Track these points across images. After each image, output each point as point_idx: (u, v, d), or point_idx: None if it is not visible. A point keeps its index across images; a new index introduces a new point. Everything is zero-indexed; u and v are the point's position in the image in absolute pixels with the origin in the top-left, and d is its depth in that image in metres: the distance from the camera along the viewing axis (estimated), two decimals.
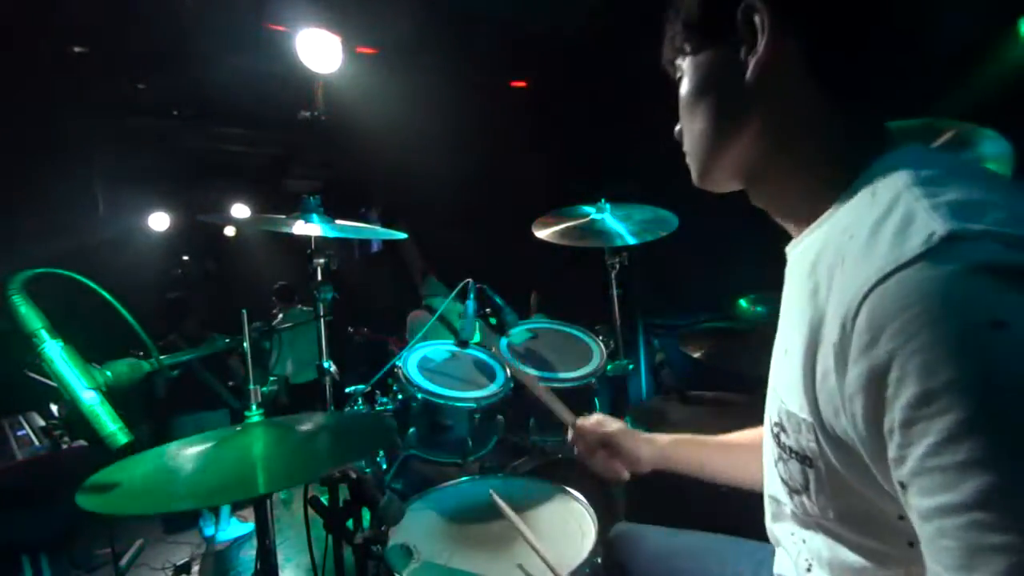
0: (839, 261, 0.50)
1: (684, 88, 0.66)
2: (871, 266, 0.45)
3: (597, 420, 1.14)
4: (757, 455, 0.86)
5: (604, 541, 1.12)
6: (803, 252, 0.59)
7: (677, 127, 0.72)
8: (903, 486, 0.43)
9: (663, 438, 1.08)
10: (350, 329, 4.03)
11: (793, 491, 0.60)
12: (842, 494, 0.53)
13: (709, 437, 1.05)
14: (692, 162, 0.69)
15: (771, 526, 0.71)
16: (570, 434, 1.17)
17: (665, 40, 0.68)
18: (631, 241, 1.74)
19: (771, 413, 0.63)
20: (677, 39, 0.65)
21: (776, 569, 0.70)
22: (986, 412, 0.38)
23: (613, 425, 1.12)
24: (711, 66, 0.62)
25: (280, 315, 4.20)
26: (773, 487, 0.66)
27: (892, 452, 0.43)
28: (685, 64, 0.66)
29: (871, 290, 0.44)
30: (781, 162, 0.61)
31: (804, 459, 0.56)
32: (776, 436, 0.61)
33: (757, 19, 0.55)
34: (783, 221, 0.67)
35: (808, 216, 0.60)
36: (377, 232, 1.65)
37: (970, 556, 0.39)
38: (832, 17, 0.55)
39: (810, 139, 0.59)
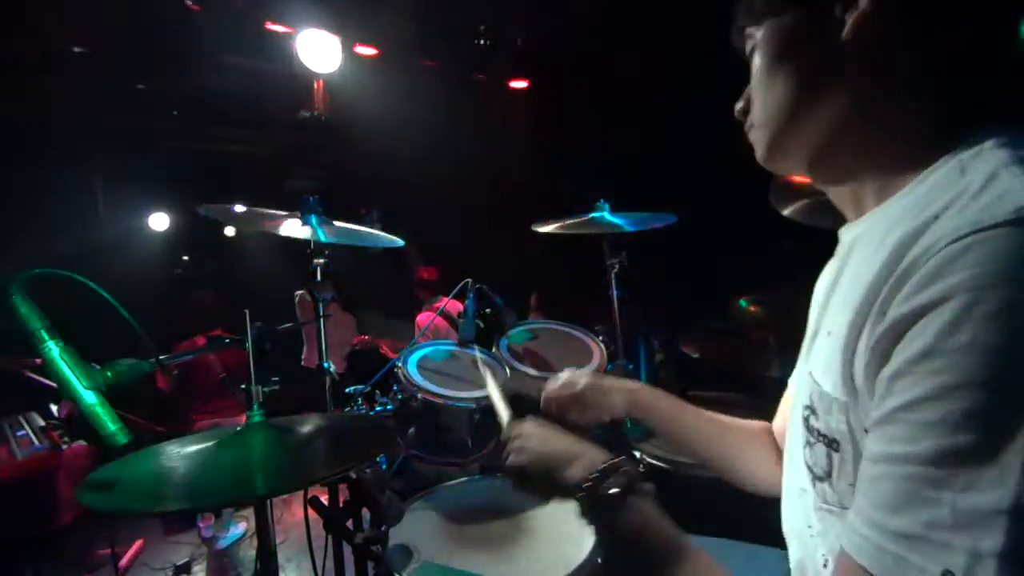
0: (915, 237, 0.46)
1: (762, 56, 0.62)
2: (958, 226, 0.42)
3: (563, 382, 1.07)
4: (736, 438, 0.90)
5: (605, 543, 1.12)
6: (867, 232, 0.57)
7: (739, 104, 0.67)
8: (866, 431, 0.45)
9: (632, 384, 1.02)
10: (354, 345, 4.02)
11: (817, 478, 0.59)
12: None
13: (688, 405, 1.01)
14: (762, 136, 0.64)
15: (787, 521, 0.69)
16: (543, 402, 1.10)
17: (739, 5, 0.63)
18: (628, 229, 1.74)
19: (802, 397, 0.62)
20: (757, 1, 0.61)
21: (792, 564, 0.69)
22: (981, 383, 0.38)
23: (580, 382, 1.04)
24: (799, 26, 0.58)
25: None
26: (796, 476, 0.65)
27: (875, 400, 0.44)
28: (762, 32, 0.61)
29: (950, 244, 0.41)
30: (862, 134, 0.57)
31: (831, 442, 0.55)
32: (806, 420, 0.60)
33: None
34: (843, 201, 0.63)
35: (877, 193, 0.57)
36: (377, 239, 1.65)
37: (902, 501, 0.40)
38: None
39: (898, 110, 0.55)
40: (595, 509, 0.66)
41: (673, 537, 0.64)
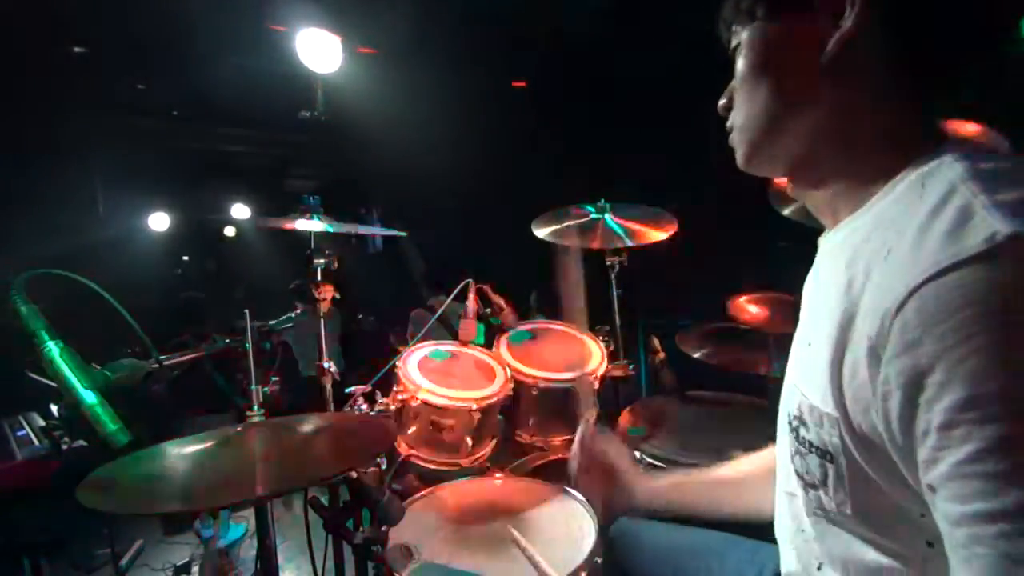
0: (882, 254, 0.47)
1: (745, 59, 0.61)
2: (921, 261, 0.43)
3: (603, 440, 1.07)
4: (764, 487, 0.82)
5: (604, 538, 1.12)
6: (840, 243, 0.57)
7: (722, 100, 0.67)
8: (932, 488, 0.43)
9: (664, 481, 1.01)
10: (359, 316, 4.01)
11: (809, 485, 0.59)
12: (862, 490, 0.53)
13: (703, 475, 0.99)
14: (742, 141, 0.65)
15: (780, 524, 0.70)
16: (579, 433, 1.08)
17: (730, 4, 0.63)
18: (628, 243, 1.75)
19: (789, 407, 0.62)
20: (745, 1, 0.60)
21: (784, 568, 0.69)
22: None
23: (620, 459, 1.05)
24: (784, 37, 0.58)
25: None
26: (787, 482, 0.65)
27: (924, 454, 0.43)
28: (747, 32, 0.61)
29: (920, 286, 0.42)
30: (838, 146, 0.58)
31: (824, 454, 0.55)
32: (795, 430, 0.60)
33: None
34: (820, 212, 0.64)
35: (849, 206, 0.58)
36: (377, 230, 1.65)
37: (1004, 564, 0.38)
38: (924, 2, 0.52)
39: (872, 124, 0.56)
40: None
41: None
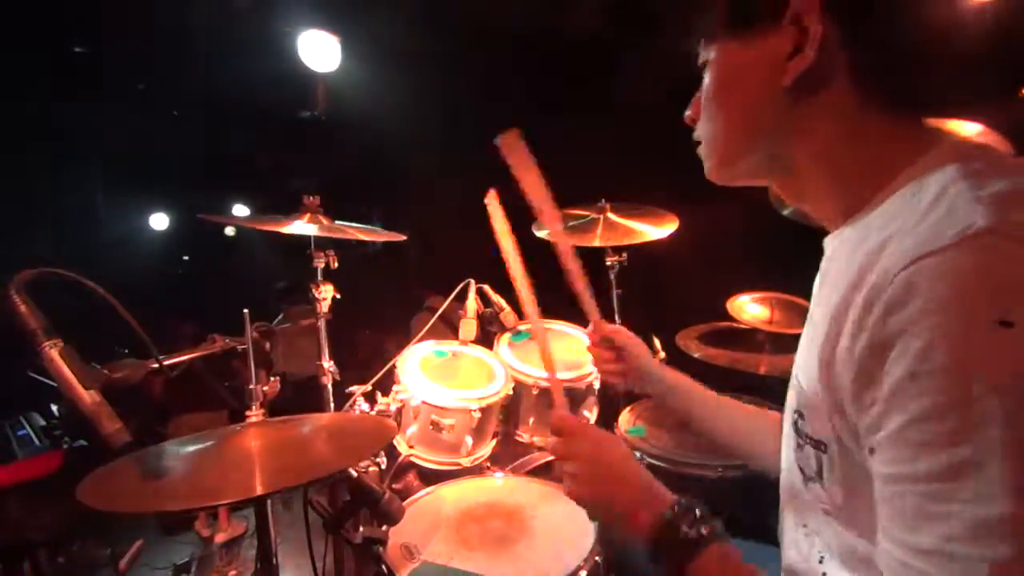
0: (878, 254, 0.49)
1: (709, 77, 0.62)
2: (906, 250, 0.45)
3: (617, 329, 1.17)
4: (754, 424, 0.94)
5: (605, 541, 1.12)
6: (840, 246, 0.59)
7: (688, 111, 0.68)
8: (871, 451, 0.47)
9: (671, 378, 1.09)
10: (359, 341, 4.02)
11: (808, 479, 0.60)
12: (852, 480, 0.54)
13: (711, 394, 1.05)
14: (708, 156, 0.66)
15: (784, 520, 0.70)
16: (590, 327, 1.15)
17: (694, 14, 0.64)
18: (628, 243, 1.75)
19: (791, 402, 0.64)
20: (710, 20, 0.61)
21: (785, 562, 0.69)
22: (965, 401, 0.40)
23: (633, 340, 1.15)
24: (745, 60, 0.58)
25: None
26: (790, 477, 0.66)
27: (869, 420, 0.47)
28: (712, 50, 0.61)
29: (900, 271, 0.44)
30: (815, 162, 0.59)
31: (818, 444, 0.57)
32: (795, 424, 0.61)
33: (807, 19, 0.52)
34: (817, 215, 0.65)
35: (846, 212, 0.59)
36: (377, 232, 1.65)
37: (918, 519, 0.43)
38: (883, 23, 0.53)
39: (849, 142, 0.56)
40: (667, 555, 0.64)
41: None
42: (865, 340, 0.47)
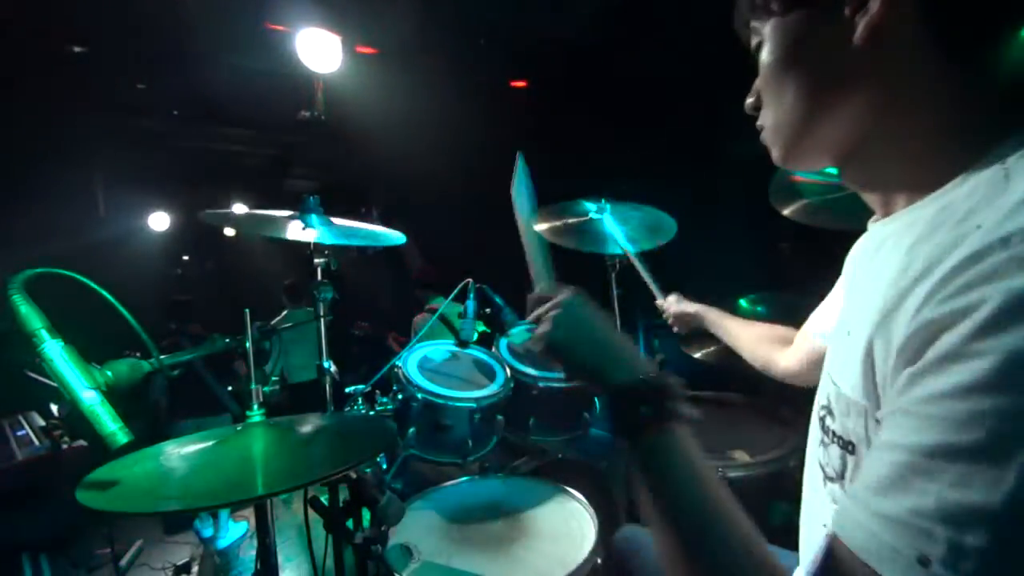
0: (953, 245, 0.44)
1: (769, 55, 0.58)
2: (993, 235, 0.41)
3: (675, 301, 1.61)
4: (772, 343, 1.22)
5: (608, 544, 1.12)
6: (896, 233, 0.54)
7: (749, 99, 0.64)
8: (878, 421, 0.45)
9: (693, 312, 1.53)
10: (354, 330, 4.02)
11: (828, 478, 0.58)
12: None
13: (741, 321, 1.36)
14: (777, 139, 0.61)
15: (805, 516, 0.69)
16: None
17: (743, 2, 0.60)
18: (630, 248, 1.74)
19: (820, 397, 0.61)
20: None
21: (804, 559, 0.69)
22: (1007, 390, 0.37)
23: (691, 306, 1.54)
24: (807, 28, 0.54)
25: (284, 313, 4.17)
26: (811, 474, 0.65)
27: (892, 393, 0.44)
28: (768, 27, 0.57)
29: (987, 254, 0.40)
30: (888, 137, 0.54)
31: (846, 444, 0.54)
32: (822, 420, 0.59)
33: None
34: (870, 199, 0.60)
35: (909, 194, 0.54)
36: (377, 236, 1.65)
37: (891, 485, 0.41)
38: None
39: (926, 112, 0.52)
40: (626, 421, 0.59)
41: (711, 474, 0.58)
42: (921, 320, 0.42)
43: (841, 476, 0.56)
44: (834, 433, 0.56)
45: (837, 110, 0.55)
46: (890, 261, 0.52)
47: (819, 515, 0.63)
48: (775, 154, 0.62)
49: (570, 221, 1.85)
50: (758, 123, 0.64)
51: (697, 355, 1.89)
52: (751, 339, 1.29)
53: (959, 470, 0.38)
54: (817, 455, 0.61)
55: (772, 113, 0.60)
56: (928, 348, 0.42)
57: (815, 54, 0.55)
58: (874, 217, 0.61)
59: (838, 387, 0.56)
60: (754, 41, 0.60)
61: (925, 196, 0.52)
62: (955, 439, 0.38)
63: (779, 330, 1.24)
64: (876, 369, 0.48)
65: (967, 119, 0.50)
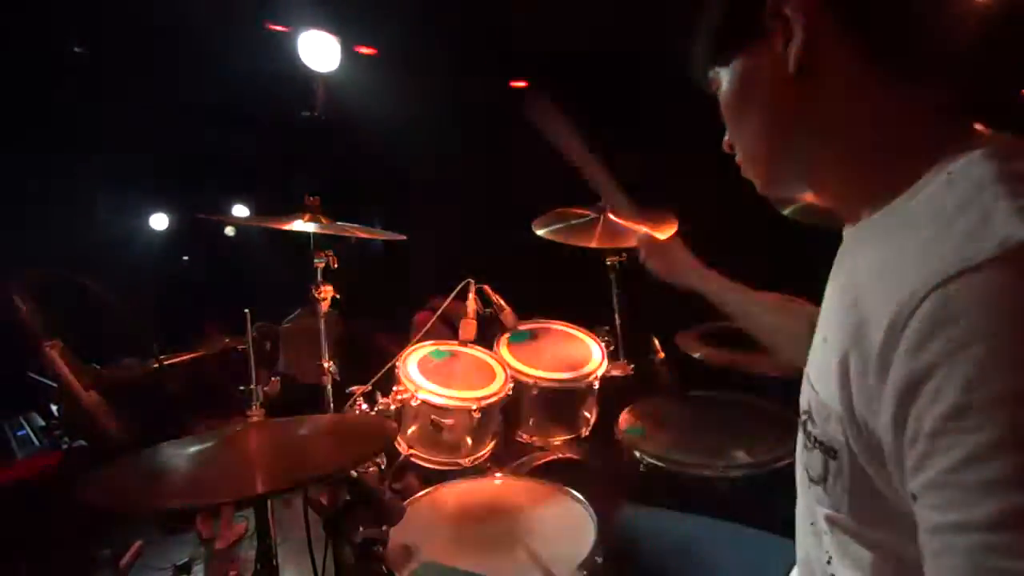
0: (898, 255, 0.46)
1: (726, 97, 0.63)
2: (934, 265, 0.41)
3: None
4: (785, 315, 1.05)
5: (610, 528, 1.12)
6: (861, 240, 0.57)
7: (725, 138, 0.68)
8: (915, 497, 0.42)
9: (711, 275, 1.32)
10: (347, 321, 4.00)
11: (812, 481, 0.59)
12: (860, 491, 0.52)
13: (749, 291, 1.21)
14: (753, 171, 0.65)
15: (798, 513, 0.70)
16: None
17: (693, 60, 0.64)
18: (628, 243, 1.74)
19: (802, 401, 0.62)
20: (706, 54, 0.62)
21: (799, 555, 0.69)
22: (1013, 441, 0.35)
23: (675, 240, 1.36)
24: (750, 68, 0.59)
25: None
26: (799, 474, 0.65)
27: (911, 461, 0.42)
28: (720, 74, 0.62)
29: (931, 291, 0.40)
30: (841, 157, 0.57)
31: (828, 450, 0.55)
32: (803, 424, 0.60)
33: (787, 8, 0.52)
34: (840, 212, 0.63)
35: (872, 205, 0.56)
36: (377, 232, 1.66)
37: (975, 572, 0.37)
38: None
39: (870, 129, 0.54)
40: None
41: None
42: (901, 374, 0.42)
43: (824, 479, 0.56)
44: (815, 438, 0.57)
45: (792, 139, 0.59)
46: (856, 268, 0.54)
47: (807, 515, 0.65)
48: (757, 186, 0.66)
49: (572, 222, 1.85)
50: (737, 159, 0.67)
51: (697, 355, 1.89)
52: (767, 309, 1.14)
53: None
54: (803, 458, 0.62)
55: (740, 151, 0.65)
56: (915, 402, 0.41)
57: (761, 91, 0.58)
58: (846, 226, 0.63)
59: (817, 393, 0.57)
60: (714, 88, 0.64)
61: (887, 204, 0.53)
62: (1014, 501, 0.36)
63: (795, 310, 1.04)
64: (852, 384, 0.49)
65: (911, 132, 0.53)
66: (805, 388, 0.62)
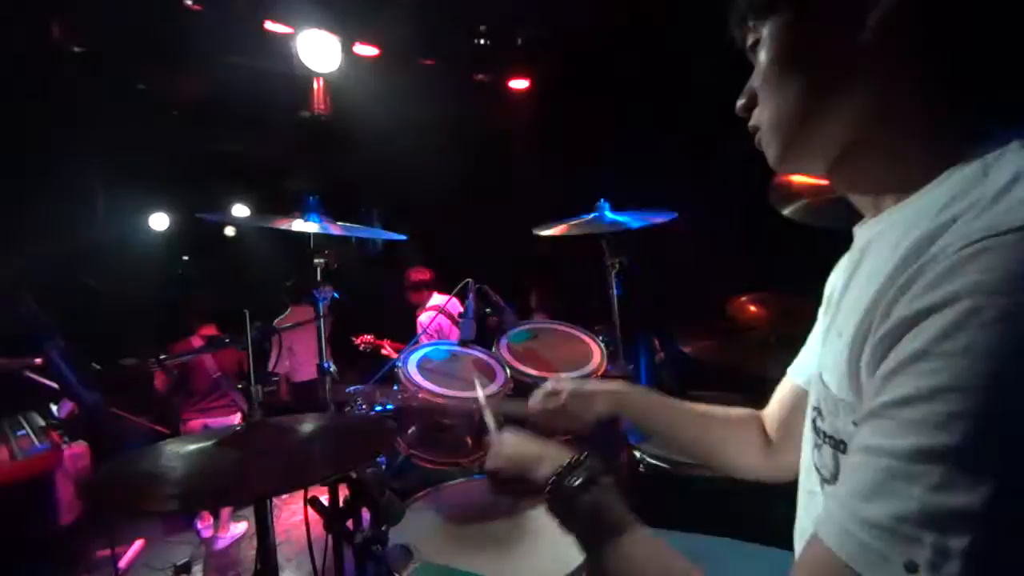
0: (930, 241, 0.45)
1: (771, 53, 0.57)
2: (973, 229, 0.41)
3: (548, 391, 1.07)
4: (723, 429, 0.92)
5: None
6: (883, 232, 0.54)
7: (741, 100, 0.64)
8: (855, 424, 0.45)
9: (615, 385, 1.03)
10: (359, 346, 4.00)
11: (824, 480, 0.58)
12: None
13: (665, 397, 1.00)
14: (773, 141, 0.60)
15: (801, 525, 0.68)
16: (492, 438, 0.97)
17: (735, 4, 0.60)
18: (632, 226, 1.74)
19: (812, 400, 0.62)
20: (757, 2, 0.57)
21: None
22: (969, 388, 0.38)
23: (564, 390, 1.04)
24: (811, 27, 0.54)
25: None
26: (807, 478, 0.64)
27: (866, 396, 0.45)
28: (769, 27, 0.57)
29: (966, 246, 0.40)
30: (881, 136, 0.55)
31: (837, 444, 0.55)
32: (813, 422, 0.60)
33: None
34: (860, 202, 0.61)
35: (897, 195, 0.54)
36: (377, 232, 1.65)
37: (874, 491, 0.41)
38: None
39: (919, 111, 0.52)
40: (558, 502, 0.68)
41: (623, 518, 0.64)
42: (892, 319, 0.43)
43: (836, 477, 0.56)
44: (825, 434, 0.57)
45: (836, 111, 0.55)
46: (877, 259, 0.53)
47: (812, 526, 0.63)
48: (771, 154, 0.62)
49: (572, 223, 1.85)
50: (751, 124, 0.64)
51: (697, 355, 1.89)
52: (695, 430, 0.96)
53: (939, 473, 0.38)
54: (812, 458, 0.61)
55: (770, 113, 0.60)
56: (896, 347, 0.43)
57: (819, 53, 0.55)
58: (860, 222, 0.62)
59: (828, 388, 0.56)
60: (750, 40, 0.60)
61: (911, 194, 0.52)
62: (932, 442, 0.39)
63: (737, 414, 0.95)
64: (862, 366, 0.49)
65: (955, 120, 0.52)
66: (816, 388, 0.61)
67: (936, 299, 0.40)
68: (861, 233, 0.61)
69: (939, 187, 0.50)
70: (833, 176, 0.62)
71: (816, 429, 0.59)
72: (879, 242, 0.55)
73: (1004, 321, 0.37)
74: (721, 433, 0.93)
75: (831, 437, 0.56)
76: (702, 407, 0.98)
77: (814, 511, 0.63)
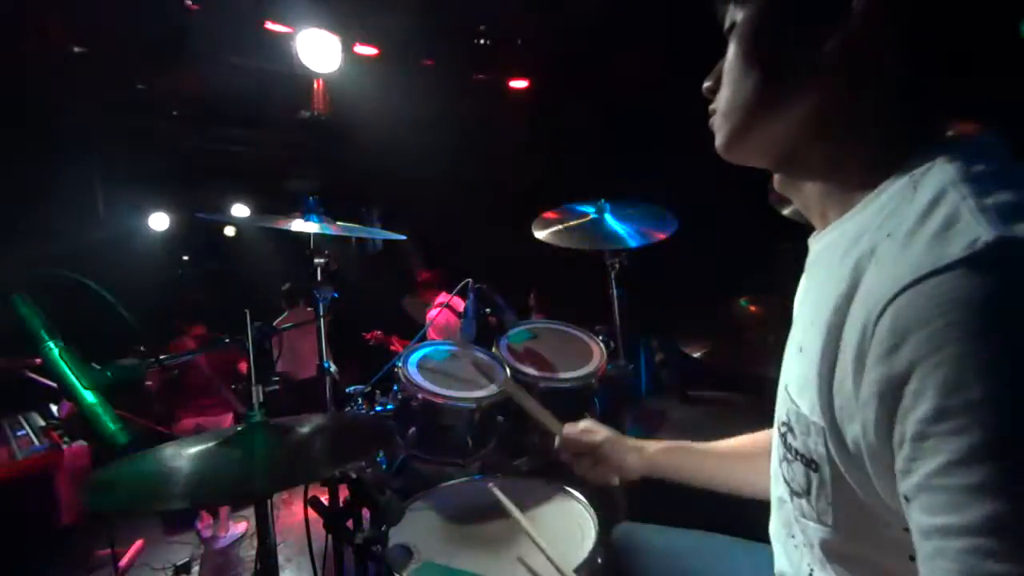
0: (869, 258, 0.46)
1: (739, 41, 0.58)
2: (903, 267, 0.42)
3: (583, 428, 1.13)
4: (752, 464, 0.89)
5: (606, 542, 1.12)
6: (829, 245, 0.55)
7: (707, 82, 0.64)
8: (907, 499, 0.42)
9: (652, 446, 1.05)
10: (369, 341, 4.03)
11: (795, 493, 0.58)
12: (844, 502, 0.52)
13: (701, 445, 1.02)
14: (723, 125, 0.61)
15: (774, 528, 0.69)
16: (557, 441, 1.16)
17: None
18: (631, 244, 1.74)
19: (780, 413, 0.61)
20: None
21: (777, 568, 0.69)
22: (1009, 438, 0.36)
23: (600, 434, 1.10)
24: (784, 24, 0.54)
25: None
26: (777, 487, 0.65)
27: (899, 464, 0.42)
28: (743, 14, 0.57)
29: (900, 293, 0.41)
30: (828, 140, 0.55)
31: (809, 462, 0.54)
32: (783, 436, 0.59)
33: None
34: (809, 211, 0.62)
35: (839, 207, 0.55)
36: (377, 232, 1.65)
37: (971, 571, 0.37)
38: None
39: (867, 120, 0.53)
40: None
41: None
42: (876, 377, 0.43)
43: (807, 492, 0.56)
44: (796, 451, 0.56)
45: (786, 108, 0.56)
46: (828, 274, 0.53)
47: (786, 528, 0.64)
48: (719, 140, 0.63)
49: (571, 223, 1.85)
50: (711, 106, 0.64)
51: (697, 355, 1.89)
52: (723, 474, 0.98)
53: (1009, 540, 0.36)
54: (781, 469, 0.61)
55: (726, 98, 0.60)
56: (898, 405, 0.41)
57: (786, 48, 0.55)
58: (813, 234, 0.62)
59: (797, 406, 0.56)
60: (728, 22, 0.60)
61: (854, 205, 0.53)
62: (999, 506, 0.36)
63: (756, 443, 0.97)
64: (833, 394, 0.49)
65: (896, 130, 0.52)
66: (782, 399, 0.61)
67: (915, 352, 0.40)
68: (812, 245, 0.62)
69: (874, 202, 0.51)
70: (780, 180, 0.63)
71: (787, 444, 0.58)
72: (826, 256, 0.56)
73: (997, 362, 0.37)
74: (746, 469, 0.93)
75: (803, 455, 0.55)
76: (724, 446, 0.99)
77: (784, 517, 0.64)
